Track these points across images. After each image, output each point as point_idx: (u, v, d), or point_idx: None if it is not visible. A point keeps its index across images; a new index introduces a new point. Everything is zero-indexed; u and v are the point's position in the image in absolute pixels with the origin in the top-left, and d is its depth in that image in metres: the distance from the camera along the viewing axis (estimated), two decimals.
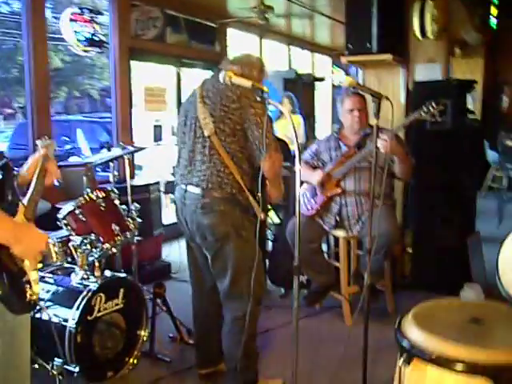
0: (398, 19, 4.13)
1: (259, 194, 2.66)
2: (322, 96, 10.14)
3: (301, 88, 7.79)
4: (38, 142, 2.13)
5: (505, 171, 7.15)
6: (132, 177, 5.70)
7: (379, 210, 2.79)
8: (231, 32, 7.17)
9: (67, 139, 8.68)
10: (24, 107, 15.20)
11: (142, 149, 3.90)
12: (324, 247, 4.31)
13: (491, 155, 7.77)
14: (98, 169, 5.84)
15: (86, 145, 8.21)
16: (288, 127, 6.59)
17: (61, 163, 4.96)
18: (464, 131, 4.18)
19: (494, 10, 8.13)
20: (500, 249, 2.11)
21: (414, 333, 1.49)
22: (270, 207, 2.86)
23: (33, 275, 1.72)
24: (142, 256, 4.85)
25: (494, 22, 8.31)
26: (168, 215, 5.86)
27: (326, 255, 4.21)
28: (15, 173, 1.85)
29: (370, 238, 2.62)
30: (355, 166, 3.63)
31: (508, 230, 6.36)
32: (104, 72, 18.80)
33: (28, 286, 1.70)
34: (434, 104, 3.21)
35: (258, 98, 2.45)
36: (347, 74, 11.01)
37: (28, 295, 1.69)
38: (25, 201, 1.82)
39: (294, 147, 5.12)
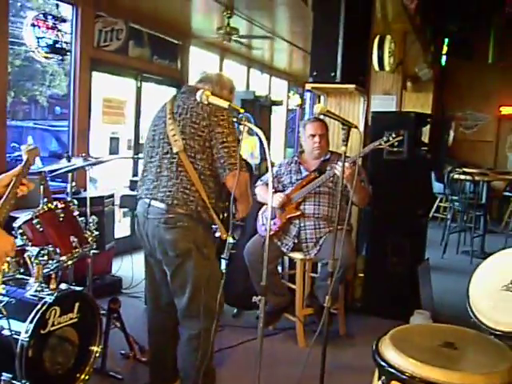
0: (360, 51, 4.27)
1: (225, 214, 2.69)
2: (277, 119, 10.28)
3: (258, 110, 7.85)
4: (22, 147, 2.09)
5: (450, 202, 7.45)
6: (85, 189, 5.60)
7: (337, 234, 2.84)
8: (193, 50, 7.21)
9: (17, 146, 8.43)
10: None
11: (104, 161, 3.84)
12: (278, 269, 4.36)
13: (437, 186, 8.09)
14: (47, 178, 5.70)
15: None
16: (251, 147, 6.68)
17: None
18: (418, 162, 4.34)
19: (444, 49, 8.54)
20: (470, 279, 2.20)
21: (392, 355, 1.54)
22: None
23: None
24: (93, 270, 4.75)
25: (443, 59, 8.74)
26: (120, 229, 5.77)
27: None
28: None
29: (333, 262, 2.67)
30: (315, 190, 3.71)
31: (451, 259, 6.62)
32: (55, 79, 18.39)
33: None
34: (393, 134, 3.33)
35: (230, 118, 2.49)
36: (302, 98, 11.26)
37: None
38: None
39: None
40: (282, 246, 3.79)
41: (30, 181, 2.02)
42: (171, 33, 6.62)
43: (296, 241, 3.75)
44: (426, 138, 5.01)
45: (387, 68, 5.32)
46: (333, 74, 4.02)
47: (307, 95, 11.72)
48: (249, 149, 7.11)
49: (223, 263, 4.55)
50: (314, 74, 4.12)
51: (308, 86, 4.22)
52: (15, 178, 1.93)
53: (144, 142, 2.87)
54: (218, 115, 2.54)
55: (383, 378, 1.50)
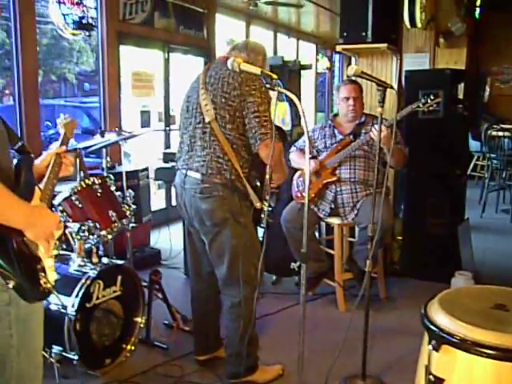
0: (391, 9, 4.14)
1: (258, 183, 2.67)
2: (306, 84, 10.13)
3: (287, 75, 7.75)
4: (58, 121, 2.07)
5: (488, 160, 7.27)
6: (120, 163, 5.65)
7: (373, 198, 2.80)
8: (219, 18, 7.11)
9: (50, 124, 8.54)
10: (0, 91, 14.91)
11: (137, 135, 3.85)
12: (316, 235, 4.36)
13: (473, 145, 7.89)
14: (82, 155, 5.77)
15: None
16: (281, 113, 6.62)
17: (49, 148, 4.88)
18: (454, 120, 4.22)
19: (478, 1, 8.21)
20: None
21: (441, 319, 1.51)
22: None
23: (47, 262, 1.68)
24: (132, 243, 4.82)
25: (477, 12, 8.41)
26: (156, 201, 5.82)
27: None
28: (32, 156, 1.79)
29: (372, 226, 2.64)
30: (350, 154, 3.65)
31: (491, 218, 6.52)
32: (82, 56, 18.47)
33: (42, 273, 1.65)
34: (432, 96, 3.23)
35: (264, 86, 2.45)
36: (331, 61, 11.05)
37: (42, 283, 1.64)
38: (41, 185, 1.78)
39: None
40: (318, 212, 3.77)
41: (70, 156, 1.97)
42: (196, 1, 6.52)
43: (333, 206, 3.71)
44: (461, 95, 4.85)
45: (419, 24, 5.14)
46: (364, 34, 3.91)
47: (336, 58, 11.50)
48: (279, 115, 7.03)
49: (261, 231, 4.62)
50: (345, 34, 4.02)
51: (338, 48, 4.12)
52: (55, 156, 1.88)
53: (180, 114, 2.85)
54: (250, 84, 2.50)
55: (433, 342, 1.48)
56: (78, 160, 3.60)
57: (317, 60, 10.63)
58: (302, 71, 8.38)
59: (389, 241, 4.30)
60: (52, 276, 1.70)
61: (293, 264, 4.26)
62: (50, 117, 8.52)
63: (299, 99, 2.09)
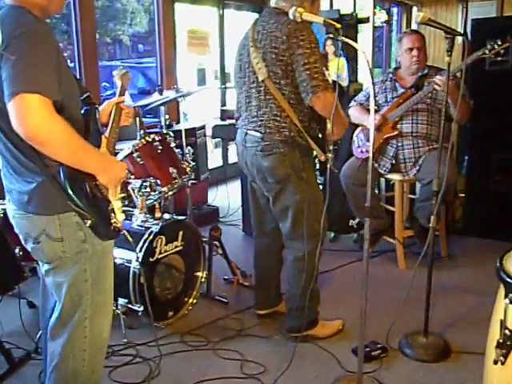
0: None
1: (320, 135, 2.61)
2: (364, 38, 9.82)
3: (344, 29, 7.51)
4: (114, 73, 2.14)
5: None
6: (178, 121, 5.69)
7: (438, 153, 2.69)
8: None
9: (107, 85, 8.67)
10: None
11: (194, 92, 3.84)
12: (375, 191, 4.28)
13: None
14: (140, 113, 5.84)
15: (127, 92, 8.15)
16: (338, 69, 6.46)
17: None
18: None
19: None
20: None
21: None
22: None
23: (116, 204, 1.82)
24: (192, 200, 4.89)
25: None
26: (213, 159, 5.86)
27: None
28: (97, 106, 1.87)
29: (437, 181, 2.56)
30: (412, 107, 3.53)
31: None
32: (136, 17, 18.55)
33: (112, 214, 1.79)
34: (499, 42, 3.05)
35: (313, 35, 2.38)
36: (389, 14, 10.65)
37: (113, 222, 1.79)
38: (106, 133, 1.89)
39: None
40: (379, 168, 3.69)
41: (129, 107, 2.06)
42: None
43: (394, 161, 3.62)
44: None
45: None
46: None
47: (394, 11, 11.06)
48: (336, 70, 6.86)
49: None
50: None
51: None
52: (116, 106, 1.99)
53: (233, 72, 2.81)
54: (298, 35, 2.40)
55: (511, 295, 1.42)
56: (137, 118, 3.65)
57: (374, 13, 10.25)
58: (359, 25, 8.13)
59: (451, 198, 4.17)
60: (121, 217, 1.84)
61: (351, 221, 4.22)
62: (108, 78, 8.64)
63: (356, 54, 2.02)
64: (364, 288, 2.16)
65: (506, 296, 1.44)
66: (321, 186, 2.83)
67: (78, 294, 1.82)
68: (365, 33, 10.10)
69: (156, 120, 5.39)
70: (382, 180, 4.16)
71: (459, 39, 4.17)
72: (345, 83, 6.89)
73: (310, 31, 2.42)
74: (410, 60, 3.55)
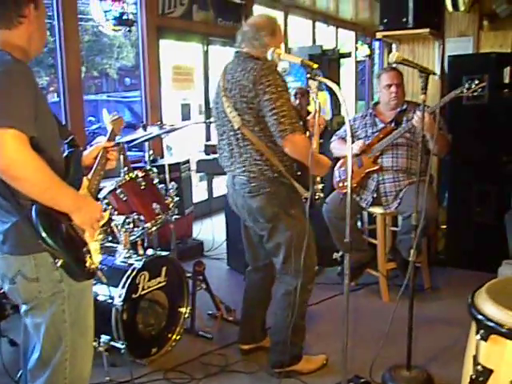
0: None
1: (299, 173, 2.65)
2: (346, 72, 10.02)
3: (326, 64, 7.69)
4: (106, 117, 2.16)
5: None
6: (161, 156, 5.73)
7: (419, 186, 2.75)
8: (256, 9, 7.10)
9: (93, 119, 8.74)
10: (45, 88, 15.28)
11: (178, 128, 3.89)
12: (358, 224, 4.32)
13: None
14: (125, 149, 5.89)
15: None
16: (321, 102, 6.58)
17: (92, 143, 5.00)
18: (500, 105, 4.10)
19: None
20: None
21: (489, 308, 1.48)
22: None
23: (92, 245, 1.81)
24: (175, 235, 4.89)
25: None
26: (198, 193, 5.88)
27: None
28: (81, 149, 1.89)
29: (416, 214, 2.61)
30: (392, 142, 3.61)
31: None
32: (122, 51, 18.75)
33: (88, 255, 1.79)
34: (476, 81, 3.15)
35: (278, 80, 2.42)
36: (371, 48, 10.89)
37: (87, 264, 1.78)
38: (89, 175, 1.91)
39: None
40: (360, 202, 3.74)
41: (115, 151, 2.08)
42: None
43: (375, 195, 3.67)
44: (507, 80, 4.71)
45: (462, 7, 5.00)
46: (404, 20, 3.84)
47: (376, 45, 11.32)
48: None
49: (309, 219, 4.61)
50: (385, 21, 3.95)
51: (379, 35, 4.06)
52: (103, 150, 2.01)
53: (214, 121, 2.87)
54: (264, 81, 2.44)
55: (482, 332, 1.45)
56: (122, 153, 3.67)
57: (356, 48, 10.49)
58: (341, 59, 8.31)
59: (433, 230, 4.22)
60: (97, 258, 1.84)
61: (335, 254, 4.24)
62: (93, 112, 8.73)
63: (339, 88, 2.08)
64: (345, 323, 2.16)
65: (477, 332, 1.47)
66: None
67: (57, 335, 1.81)
68: (348, 66, 10.32)
69: (141, 154, 5.43)
70: (365, 213, 4.21)
71: (437, 74, 4.30)
72: (328, 117, 7.02)
73: (276, 75, 2.46)
74: (389, 96, 3.64)
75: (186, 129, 6.56)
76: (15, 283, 1.76)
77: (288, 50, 7.34)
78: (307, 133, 2.60)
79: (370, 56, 11.05)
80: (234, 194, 2.75)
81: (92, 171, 1.94)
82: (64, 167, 1.79)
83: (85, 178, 1.87)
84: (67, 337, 1.82)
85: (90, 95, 13.96)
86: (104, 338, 2.81)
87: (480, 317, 1.47)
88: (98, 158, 1.98)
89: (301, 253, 2.56)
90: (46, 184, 1.60)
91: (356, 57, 10.36)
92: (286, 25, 7.65)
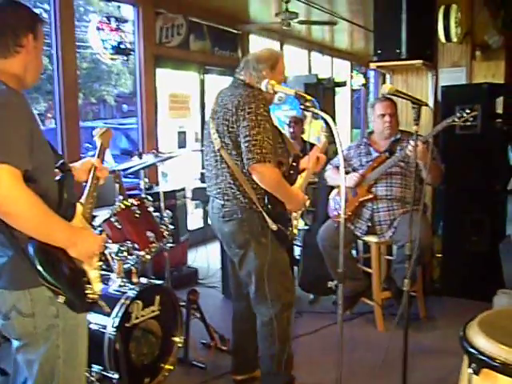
0: (425, 24, 4.12)
1: (269, 206, 2.63)
2: (342, 101, 10.13)
3: (321, 93, 7.78)
4: (95, 132, 2.11)
5: None
6: (157, 183, 5.74)
7: (413, 215, 2.76)
8: (253, 38, 7.21)
9: (90, 146, 8.74)
10: (42, 114, 15.38)
11: (174, 156, 3.91)
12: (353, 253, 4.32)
13: None
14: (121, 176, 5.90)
15: (108, 152, 8.27)
16: (316, 131, 6.66)
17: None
18: (493, 135, 4.15)
19: None
20: None
21: (481, 341, 1.48)
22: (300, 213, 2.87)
23: (92, 274, 1.78)
24: (170, 262, 4.86)
25: None
26: (193, 221, 5.88)
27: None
28: (72, 173, 1.87)
29: (410, 244, 2.61)
30: (386, 171, 3.63)
31: None
32: (120, 78, 18.93)
33: (89, 285, 1.76)
34: (467, 110, 3.19)
35: (260, 109, 2.45)
36: (366, 77, 11.02)
37: (89, 295, 1.75)
38: (82, 199, 1.87)
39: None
40: (355, 230, 3.74)
41: (105, 167, 2.03)
42: (230, 23, 6.64)
43: (370, 224, 3.68)
44: (500, 110, 4.76)
45: (454, 39, 5.08)
46: (398, 51, 3.90)
47: (371, 74, 11.46)
48: (314, 133, 7.05)
49: (297, 250, 4.59)
50: (378, 52, 4.01)
51: (372, 65, 4.12)
52: (93, 170, 1.97)
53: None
54: (246, 108, 2.48)
55: (473, 365, 1.44)
56: (117, 181, 3.70)
57: (351, 77, 10.62)
58: (336, 88, 8.41)
59: (428, 259, 4.21)
60: (98, 286, 1.80)
61: (330, 283, 4.23)
62: (90, 139, 8.73)
63: (334, 117, 2.11)
64: (340, 352, 2.15)
65: (469, 365, 1.47)
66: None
67: (50, 371, 1.78)
68: (343, 94, 10.43)
69: (136, 181, 5.43)
70: (360, 241, 4.21)
71: (430, 103, 4.35)
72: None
73: (260, 104, 2.48)
74: (383, 125, 3.68)
75: (183, 156, 6.62)
76: (9, 319, 1.73)
77: (284, 79, 7.42)
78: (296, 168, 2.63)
79: (365, 85, 11.19)
80: (213, 218, 2.77)
81: (85, 194, 1.90)
82: (57, 193, 1.76)
83: (78, 203, 1.83)
84: (60, 372, 1.78)
85: (87, 122, 14.04)
86: (96, 367, 2.78)
87: (472, 350, 1.47)
88: (90, 179, 1.95)
89: (272, 282, 2.57)
90: (40, 220, 1.58)
91: (351, 85, 10.48)
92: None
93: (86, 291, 1.75)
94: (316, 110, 2.16)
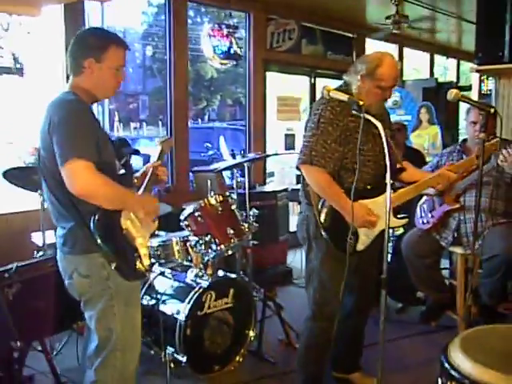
0: None
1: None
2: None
3: (443, 97, 7.48)
4: (156, 140, 2.47)
5: None
6: (264, 183, 5.93)
7: (499, 227, 2.64)
8: (370, 42, 7.14)
9: (209, 145, 9.24)
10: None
11: (262, 157, 4.06)
12: (447, 263, 4.17)
13: None
14: (237, 174, 6.16)
15: (227, 151, 8.68)
16: (432, 137, 6.49)
17: (195, 168, 5.32)
18: None
19: None
20: None
21: (459, 359, 1.42)
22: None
23: (142, 251, 2.11)
24: (266, 260, 5.00)
25: None
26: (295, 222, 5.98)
27: (448, 271, 4.09)
28: (134, 170, 2.27)
29: (474, 257, 2.51)
30: (476, 180, 3.46)
31: None
32: None
33: (139, 259, 2.08)
34: None
35: (324, 111, 2.49)
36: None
37: (137, 267, 2.08)
38: (140, 191, 2.24)
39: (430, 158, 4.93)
40: (441, 240, 3.61)
41: (163, 168, 2.38)
42: (345, 27, 6.64)
43: (456, 234, 3.53)
44: None
45: None
46: (500, 54, 3.69)
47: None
48: (430, 139, 6.83)
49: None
50: (479, 55, 3.82)
51: (473, 69, 3.94)
52: (152, 169, 2.32)
53: None
54: (314, 110, 2.59)
55: (443, 378, 1.39)
56: (218, 180, 3.92)
57: (481, 81, 10.01)
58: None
59: None
60: (146, 262, 2.12)
61: (419, 293, 4.12)
62: (212, 139, 9.23)
63: (456, 122, 2.06)
64: (379, 365, 2.13)
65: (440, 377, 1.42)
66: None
67: (107, 327, 2.09)
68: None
69: (242, 179, 5.65)
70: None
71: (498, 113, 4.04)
72: (439, 150, 6.80)
73: (328, 106, 2.49)
74: (473, 133, 3.51)
75: (289, 158, 6.75)
76: (72, 279, 2.10)
77: (402, 83, 7.26)
78: None
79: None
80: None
81: (142, 188, 2.25)
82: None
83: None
84: (118, 329, 2.09)
85: (224, 123, 14.64)
86: (169, 349, 3.01)
87: (448, 367, 1.41)
88: (148, 175, 2.29)
89: (314, 289, 2.71)
90: (115, 195, 2.00)
91: (481, 90, 9.88)
92: (400, 57, 7.58)
93: (136, 264, 2.06)
94: (368, 116, 2.16)
